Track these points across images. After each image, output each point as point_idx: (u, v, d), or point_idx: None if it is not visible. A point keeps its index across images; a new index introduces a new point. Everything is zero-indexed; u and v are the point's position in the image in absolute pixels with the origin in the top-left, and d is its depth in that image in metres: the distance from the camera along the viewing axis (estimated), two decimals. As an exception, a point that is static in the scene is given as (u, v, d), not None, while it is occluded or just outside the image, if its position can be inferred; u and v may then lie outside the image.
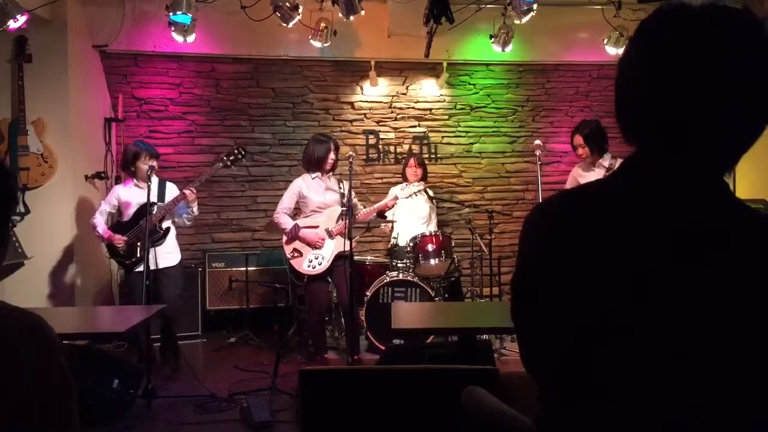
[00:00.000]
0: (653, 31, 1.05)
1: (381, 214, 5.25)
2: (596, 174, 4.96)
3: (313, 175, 5.05)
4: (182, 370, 4.71)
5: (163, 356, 4.83)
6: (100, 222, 4.72)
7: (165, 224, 4.77)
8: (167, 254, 4.80)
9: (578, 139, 5.00)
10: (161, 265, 4.73)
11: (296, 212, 5.16)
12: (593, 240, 1.02)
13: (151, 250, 4.67)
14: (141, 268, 4.50)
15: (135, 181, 4.76)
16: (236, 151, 4.90)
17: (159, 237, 4.73)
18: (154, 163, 4.68)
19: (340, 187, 5.11)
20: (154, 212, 4.68)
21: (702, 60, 0.98)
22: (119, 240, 4.65)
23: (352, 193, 4.78)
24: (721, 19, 1.00)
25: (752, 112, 1.00)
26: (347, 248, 4.66)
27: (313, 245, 4.96)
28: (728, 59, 0.98)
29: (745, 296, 0.95)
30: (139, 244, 4.60)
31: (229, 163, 4.88)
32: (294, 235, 4.95)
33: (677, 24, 1.02)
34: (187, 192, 4.68)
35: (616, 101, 1.09)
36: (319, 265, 4.93)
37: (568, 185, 5.33)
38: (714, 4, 1.01)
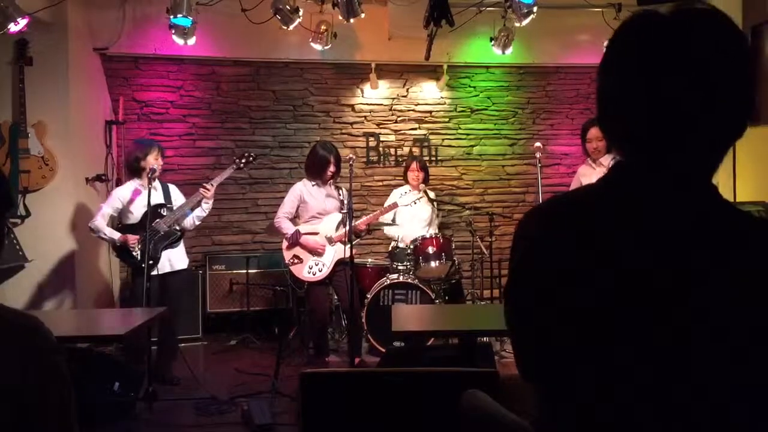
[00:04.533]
0: (627, 38, 1.07)
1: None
2: (597, 173, 4.97)
3: (313, 182, 5.04)
4: (179, 383, 4.56)
5: (158, 366, 4.55)
6: (103, 225, 4.58)
7: (177, 226, 4.72)
8: (179, 258, 4.76)
9: (596, 132, 4.94)
10: (176, 268, 4.70)
11: (294, 218, 5.14)
12: (585, 243, 1.03)
13: (165, 253, 4.63)
14: (153, 271, 4.47)
15: (140, 181, 4.68)
16: (247, 153, 4.95)
17: (177, 239, 4.68)
18: (161, 163, 4.67)
19: (339, 195, 5.09)
20: (165, 213, 4.64)
21: (676, 63, 0.99)
22: (134, 240, 4.54)
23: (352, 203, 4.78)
24: (692, 20, 1.01)
25: (731, 110, 1.01)
26: (347, 254, 4.66)
27: (314, 252, 4.95)
28: (702, 60, 0.99)
29: (746, 296, 0.95)
30: (152, 245, 4.51)
31: (242, 165, 4.90)
32: (295, 241, 4.93)
33: (649, 30, 1.03)
34: (207, 187, 4.65)
35: (598, 108, 1.11)
36: (320, 271, 4.92)
37: (574, 185, 5.34)
38: (683, 7, 1.02)
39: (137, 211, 4.64)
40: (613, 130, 1.10)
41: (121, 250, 4.64)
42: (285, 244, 5.00)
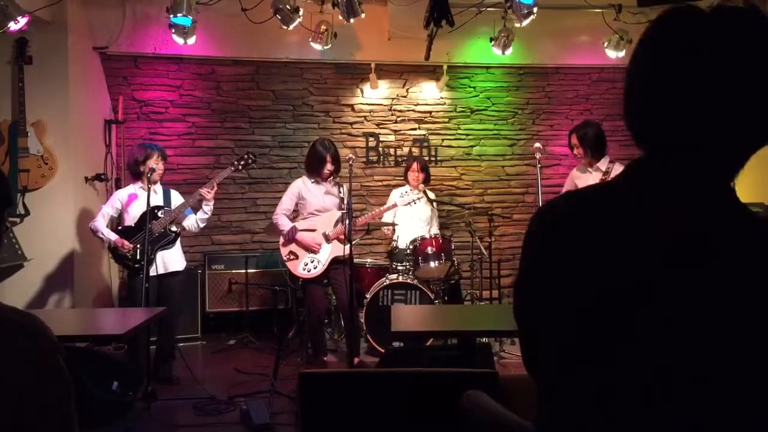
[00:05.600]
0: (661, 33, 1.04)
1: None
2: (592, 177, 4.97)
3: (312, 179, 5.04)
4: (178, 382, 4.59)
5: (156, 366, 4.59)
6: (102, 225, 4.64)
7: (174, 228, 4.73)
8: (174, 259, 4.77)
9: (574, 139, 5.03)
10: (170, 269, 4.72)
11: (294, 214, 5.15)
12: (597, 240, 1.03)
13: (159, 254, 4.66)
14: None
15: (140, 184, 4.72)
16: (246, 155, 4.95)
17: (170, 240, 4.70)
18: (162, 166, 4.71)
19: (339, 192, 5.10)
20: (161, 216, 4.66)
21: (710, 62, 0.97)
22: (128, 247, 4.57)
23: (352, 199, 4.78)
24: (729, 19, 0.99)
25: (761, 114, 1.00)
26: (346, 251, 4.66)
27: (310, 249, 4.96)
28: (737, 60, 0.97)
29: (747, 299, 0.95)
30: (148, 247, 4.54)
31: (240, 167, 4.92)
32: (291, 237, 4.94)
33: (685, 26, 1.01)
34: (203, 191, 4.69)
35: (625, 103, 1.09)
36: (315, 269, 4.93)
37: (566, 187, 5.34)
38: (721, 6, 1.00)
39: (134, 213, 4.69)
40: (638, 128, 1.08)
41: (115, 251, 4.68)
42: (282, 240, 5.01)
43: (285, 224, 4.98)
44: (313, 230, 4.98)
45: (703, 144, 1.01)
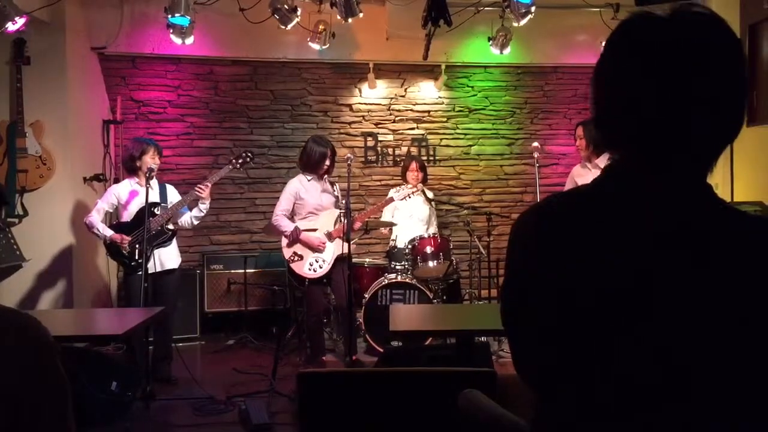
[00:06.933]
0: (625, 39, 1.07)
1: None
2: (592, 174, 4.98)
3: (309, 177, 5.04)
4: (176, 382, 4.59)
5: (155, 366, 4.55)
6: (98, 221, 4.61)
7: (170, 226, 4.72)
8: (170, 257, 4.75)
9: (579, 131, 5.07)
10: (166, 267, 4.70)
11: (291, 214, 5.14)
12: (582, 241, 1.03)
13: (156, 252, 4.64)
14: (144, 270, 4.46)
15: (136, 179, 4.70)
16: (244, 154, 4.96)
17: (167, 238, 4.68)
18: (158, 162, 4.68)
19: (333, 190, 5.11)
20: (158, 213, 4.64)
21: (674, 64, 0.99)
22: (128, 240, 4.55)
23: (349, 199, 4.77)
24: (690, 22, 1.02)
25: (728, 111, 1.02)
26: (346, 250, 4.66)
27: (315, 249, 4.95)
28: (701, 61, 0.99)
29: (736, 295, 0.96)
30: (146, 245, 4.51)
31: (238, 165, 4.91)
32: (295, 238, 4.93)
33: (648, 30, 1.03)
34: (202, 187, 4.68)
35: (593, 109, 1.11)
36: (320, 268, 4.92)
37: (568, 185, 5.36)
38: (680, 9, 1.03)
39: (131, 209, 4.66)
40: (609, 131, 1.10)
41: (111, 248, 4.65)
42: (285, 241, 4.99)
43: (287, 225, 4.96)
44: (315, 230, 4.98)
45: (675, 144, 1.02)
